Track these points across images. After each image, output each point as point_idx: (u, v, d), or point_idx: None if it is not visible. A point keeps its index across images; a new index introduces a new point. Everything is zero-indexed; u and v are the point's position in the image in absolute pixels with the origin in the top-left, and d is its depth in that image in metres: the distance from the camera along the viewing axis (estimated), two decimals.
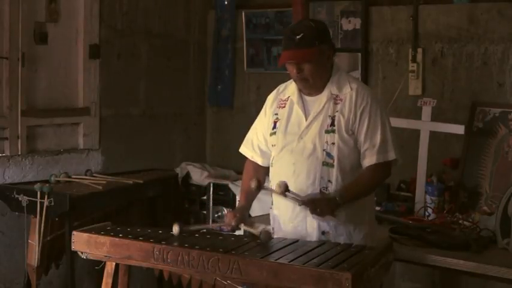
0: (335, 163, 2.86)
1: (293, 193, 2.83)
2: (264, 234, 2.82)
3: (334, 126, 2.88)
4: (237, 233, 3.16)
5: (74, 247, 2.90)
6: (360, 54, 4.48)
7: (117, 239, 2.81)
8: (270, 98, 3.12)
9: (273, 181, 3.00)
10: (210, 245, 2.70)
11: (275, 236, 2.96)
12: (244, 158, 3.19)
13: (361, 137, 2.89)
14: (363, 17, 4.46)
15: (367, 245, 2.79)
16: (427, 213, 3.76)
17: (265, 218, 3.29)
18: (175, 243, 2.74)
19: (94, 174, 4.23)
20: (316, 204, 2.78)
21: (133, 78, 4.74)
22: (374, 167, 2.89)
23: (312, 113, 2.93)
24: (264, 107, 3.13)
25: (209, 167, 5.00)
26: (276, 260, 2.53)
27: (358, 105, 2.89)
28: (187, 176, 4.84)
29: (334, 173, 2.86)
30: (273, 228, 3.03)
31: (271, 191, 2.93)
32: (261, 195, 3.14)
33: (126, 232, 2.90)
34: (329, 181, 2.87)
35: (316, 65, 2.87)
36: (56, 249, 3.82)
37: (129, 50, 4.68)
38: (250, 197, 3.08)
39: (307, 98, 2.97)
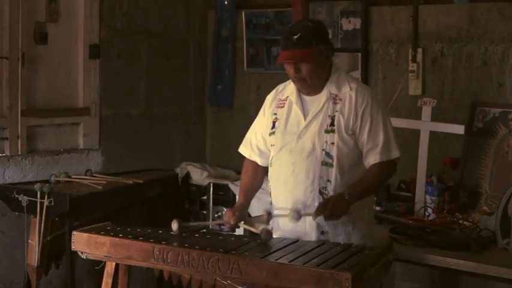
0: (334, 163, 2.86)
1: (305, 213, 2.84)
2: (264, 233, 2.82)
3: (333, 126, 2.88)
4: (237, 232, 3.17)
5: (74, 247, 2.90)
6: (360, 54, 4.48)
7: (117, 239, 2.82)
8: (269, 98, 3.12)
9: (272, 181, 3.01)
10: (210, 245, 2.70)
11: (275, 236, 2.96)
12: (244, 158, 3.20)
13: (363, 137, 2.89)
14: (363, 17, 4.46)
15: (367, 245, 2.79)
16: (427, 213, 3.76)
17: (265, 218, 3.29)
18: (175, 243, 2.74)
19: (94, 174, 4.23)
20: (328, 209, 2.78)
21: (133, 78, 4.74)
22: (378, 166, 2.90)
23: (310, 112, 2.93)
24: (262, 107, 3.13)
25: (209, 167, 5.00)
26: (276, 260, 2.53)
27: (359, 105, 2.89)
28: (187, 176, 4.84)
29: (333, 172, 2.87)
30: (272, 228, 3.03)
31: (283, 216, 2.92)
32: (261, 195, 3.14)
33: (126, 232, 2.90)
34: (328, 181, 2.87)
35: (314, 65, 2.87)
36: (56, 249, 3.82)
37: (129, 49, 4.67)
38: (249, 195, 3.09)
39: (306, 98, 2.98)
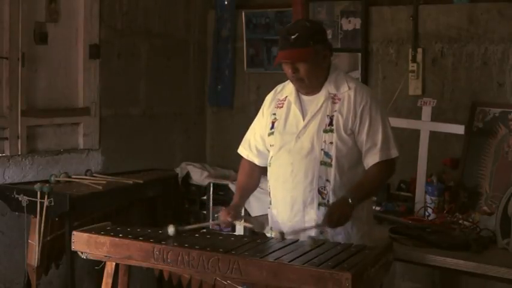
0: (333, 162, 2.87)
1: (301, 229, 2.86)
2: (257, 224, 2.85)
3: (332, 125, 2.88)
4: (237, 232, 3.17)
5: (74, 247, 2.90)
6: (360, 54, 4.48)
7: (117, 239, 2.81)
8: (268, 98, 3.13)
9: (271, 181, 3.02)
10: (210, 245, 2.70)
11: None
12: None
13: (363, 137, 2.89)
14: (363, 17, 4.46)
15: (367, 245, 2.79)
16: (427, 213, 3.76)
17: (265, 218, 3.29)
18: (175, 243, 2.74)
19: (94, 174, 4.23)
20: (334, 220, 2.78)
21: (133, 78, 4.74)
22: (378, 165, 2.90)
23: (309, 112, 2.93)
24: (261, 107, 3.14)
25: (209, 167, 5.00)
26: (276, 260, 2.53)
27: (358, 105, 2.89)
28: (187, 176, 4.84)
29: (332, 172, 2.87)
30: (271, 228, 3.03)
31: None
32: (261, 195, 3.15)
33: (126, 232, 2.90)
34: (327, 180, 2.87)
35: (312, 65, 2.87)
36: (56, 249, 3.82)
37: (129, 49, 4.68)
38: (245, 194, 3.10)
39: (305, 98, 2.98)
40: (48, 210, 3.64)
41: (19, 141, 4.01)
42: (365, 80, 4.43)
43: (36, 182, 3.82)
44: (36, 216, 3.68)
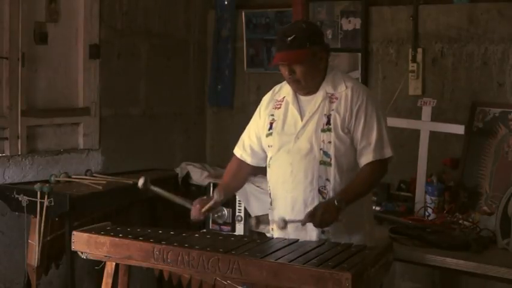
0: (332, 161, 2.87)
1: (291, 220, 2.83)
2: (253, 219, 2.86)
3: (330, 124, 2.88)
4: (237, 232, 3.17)
5: (74, 247, 2.90)
6: (360, 54, 4.48)
7: (117, 239, 2.81)
8: (266, 99, 3.12)
9: (271, 182, 3.02)
10: (210, 245, 2.70)
11: (275, 236, 2.96)
12: None
13: (358, 135, 2.89)
14: (363, 17, 4.45)
15: (367, 245, 2.79)
16: (427, 213, 3.76)
17: (265, 218, 3.29)
18: (175, 243, 2.74)
19: (94, 174, 4.23)
20: (317, 216, 2.76)
21: (133, 78, 4.74)
22: (371, 165, 2.89)
23: (307, 112, 2.93)
24: (258, 108, 3.13)
25: (209, 167, 5.00)
26: (276, 260, 2.53)
27: (354, 104, 2.89)
28: (187, 176, 4.84)
29: (332, 171, 2.87)
30: (272, 229, 3.03)
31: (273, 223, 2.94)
32: (261, 195, 3.14)
33: (126, 232, 2.90)
34: (327, 180, 2.87)
35: (308, 67, 2.87)
36: (56, 249, 3.82)
37: (129, 49, 4.68)
38: (226, 193, 3.08)
39: (302, 98, 2.98)
40: (48, 210, 3.64)
41: (19, 141, 4.01)
42: (365, 80, 4.43)
43: (36, 182, 3.82)
44: (36, 216, 3.68)
